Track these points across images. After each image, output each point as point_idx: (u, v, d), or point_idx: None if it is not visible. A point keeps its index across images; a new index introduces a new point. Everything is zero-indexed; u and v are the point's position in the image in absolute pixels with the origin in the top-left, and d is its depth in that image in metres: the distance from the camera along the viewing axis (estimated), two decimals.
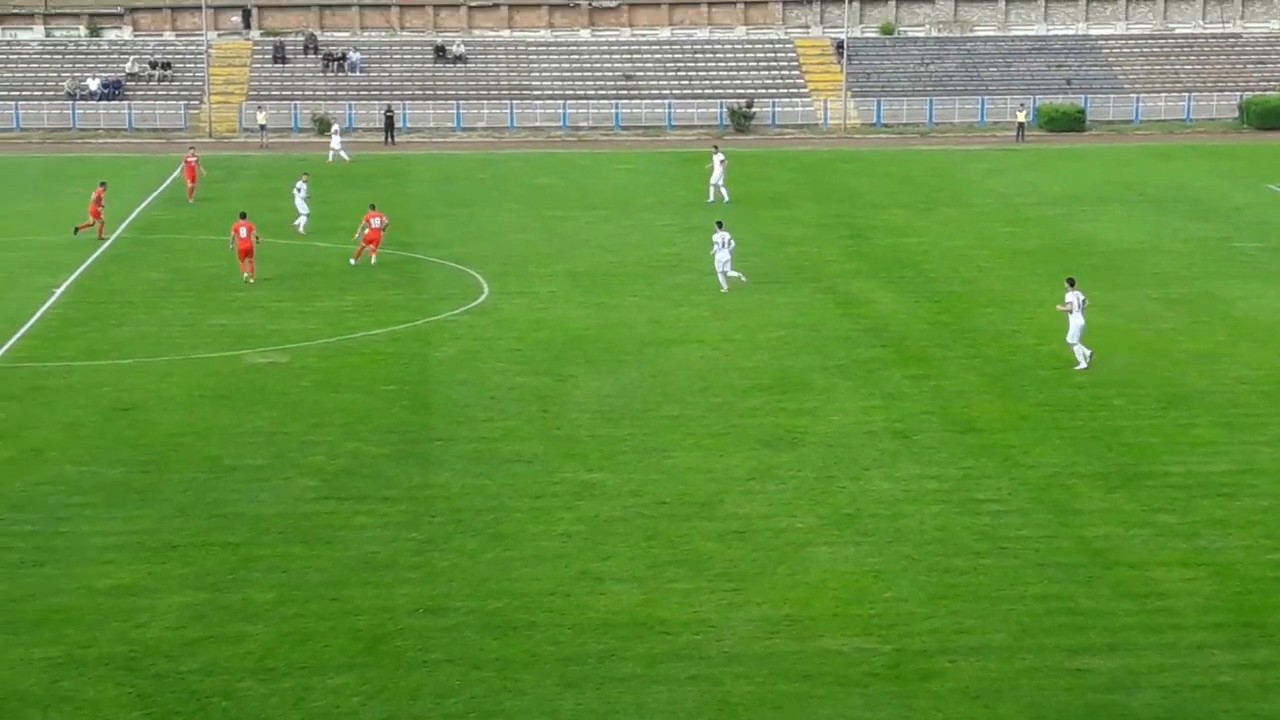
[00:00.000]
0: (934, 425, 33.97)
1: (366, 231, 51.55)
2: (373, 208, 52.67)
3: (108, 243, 56.08)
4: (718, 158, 67.52)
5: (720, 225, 48.91)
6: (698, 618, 24.06)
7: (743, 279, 48.05)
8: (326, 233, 58.19)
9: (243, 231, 49.08)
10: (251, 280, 48.72)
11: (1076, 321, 38.57)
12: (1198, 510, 28.68)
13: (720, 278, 47.73)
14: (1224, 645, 23.15)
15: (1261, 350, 40.31)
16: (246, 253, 49.00)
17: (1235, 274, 50.73)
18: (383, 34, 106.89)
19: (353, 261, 51.63)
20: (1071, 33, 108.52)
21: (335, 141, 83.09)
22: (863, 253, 54.85)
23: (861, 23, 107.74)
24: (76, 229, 56.77)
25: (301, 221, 58.14)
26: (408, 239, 56.04)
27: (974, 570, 25.94)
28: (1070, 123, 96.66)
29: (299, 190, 59.02)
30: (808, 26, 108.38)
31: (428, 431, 33.42)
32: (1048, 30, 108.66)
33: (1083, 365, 38.38)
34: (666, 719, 21.00)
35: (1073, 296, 38.74)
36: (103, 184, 59.57)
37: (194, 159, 68.49)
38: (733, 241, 48.22)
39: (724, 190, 66.29)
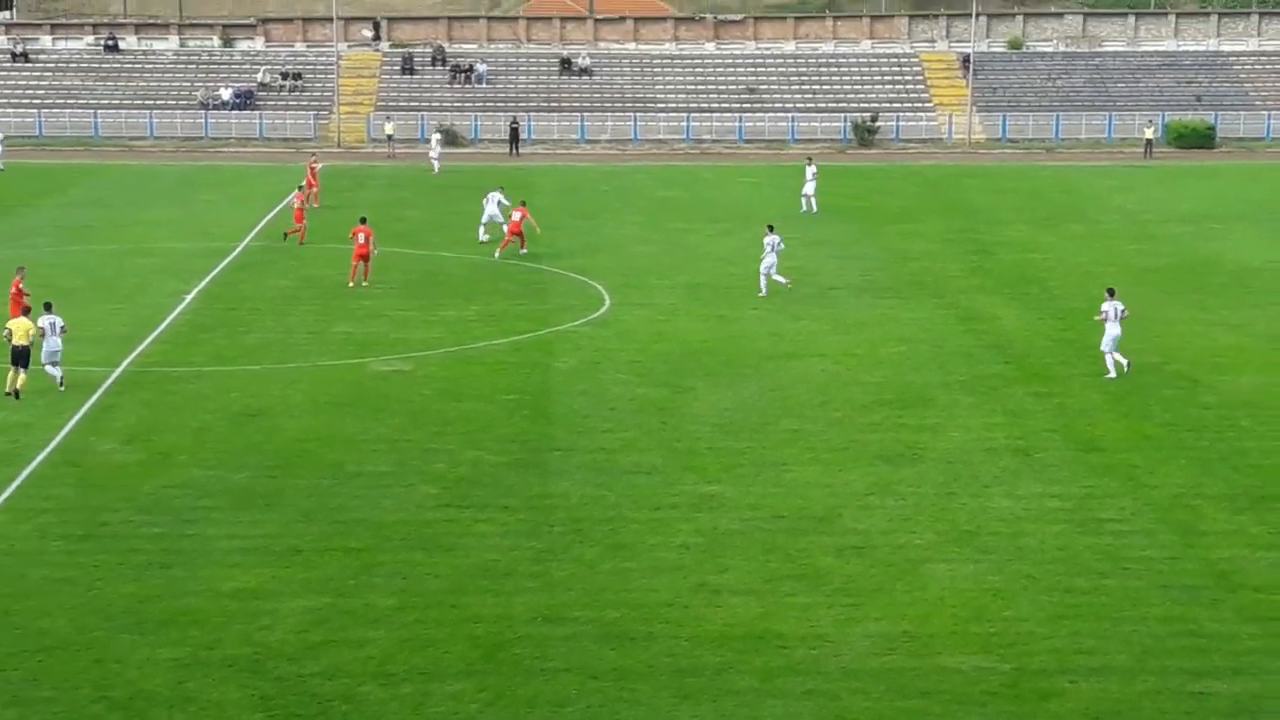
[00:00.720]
0: (1056, 443, 33.66)
1: (514, 221, 54.90)
2: (523, 203, 55.75)
3: (236, 250, 56.93)
4: (810, 169, 68.74)
5: (771, 229, 49.68)
6: (815, 632, 24.01)
7: (787, 283, 48.67)
8: (451, 243, 58.71)
9: (360, 237, 49.94)
10: (365, 284, 49.48)
11: (1111, 331, 38.69)
12: None
13: (762, 280, 48.76)
14: None
15: None
16: (362, 257, 49.79)
17: None
18: (509, 46, 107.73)
19: (497, 254, 54.57)
20: (1202, 48, 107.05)
21: (434, 151, 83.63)
22: (986, 268, 54.45)
23: (988, 37, 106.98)
24: (285, 234, 59.00)
25: (482, 230, 58.74)
26: (531, 249, 56.37)
27: (1095, 590, 25.67)
28: (1199, 139, 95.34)
29: (497, 200, 58.95)
30: (933, 40, 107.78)
31: (548, 441, 33.63)
32: (1178, 46, 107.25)
33: (1112, 375, 38.50)
34: None
35: (1109, 306, 38.93)
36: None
37: (317, 165, 69.39)
38: (782, 244, 49.34)
39: (814, 201, 67.56)
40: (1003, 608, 24.96)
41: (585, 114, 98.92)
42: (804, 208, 67.74)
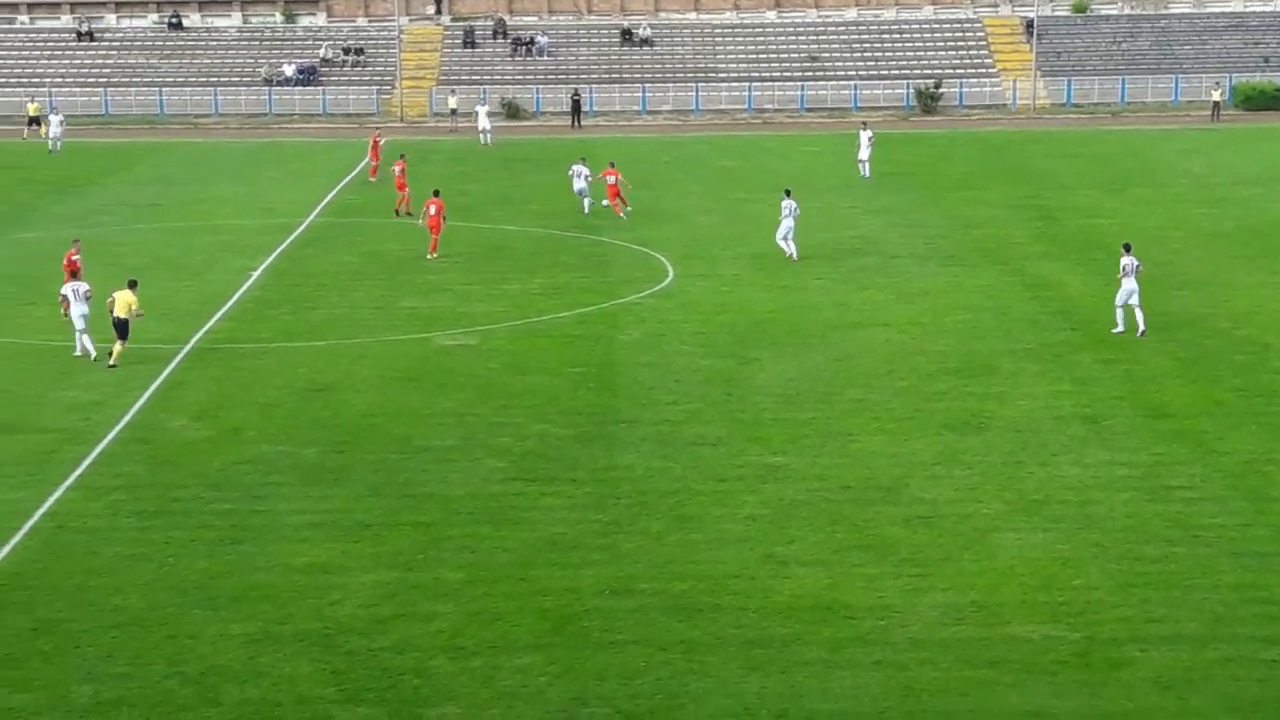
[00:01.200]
0: (1125, 410, 33.44)
1: (610, 185, 57.40)
2: (611, 164, 57.97)
3: (301, 226, 57.24)
4: (866, 134, 69.05)
5: (788, 193, 50.07)
6: (883, 603, 23.97)
7: (793, 255, 49.23)
8: (515, 216, 58.82)
9: (431, 210, 50.29)
10: (430, 257, 49.73)
11: (1127, 286, 39.17)
12: None
13: (783, 244, 49.36)
14: None
15: None
16: (433, 229, 50.11)
17: None
18: (570, 18, 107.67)
19: (623, 214, 55.95)
20: (1270, 9, 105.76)
21: (483, 121, 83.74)
22: (1051, 234, 54.09)
23: (1052, 1, 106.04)
24: (397, 212, 59.51)
25: (586, 203, 59.03)
26: (594, 222, 56.40)
27: (1165, 558, 25.50)
28: (1268, 101, 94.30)
29: (578, 174, 59.34)
30: (996, 5, 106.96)
31: (613, 414, 33.68)
32: (1245, 6, 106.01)
33: (1120, 329, 39.29)
34: (851, 704, 20.98)
35: (1127, 261, 39.42)
36: (402, 156, 62.97)
37: (381, 139, 69.67)
38: (798, 210, 49.92)
39: (867, 166, 68.09)
40: (1072, 576, 24.84)
41: (646, 85, 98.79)
42: (861, 173, 68.11)
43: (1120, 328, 39.21)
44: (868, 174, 68.10)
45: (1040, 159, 74.06)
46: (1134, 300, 39.32)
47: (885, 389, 35.23)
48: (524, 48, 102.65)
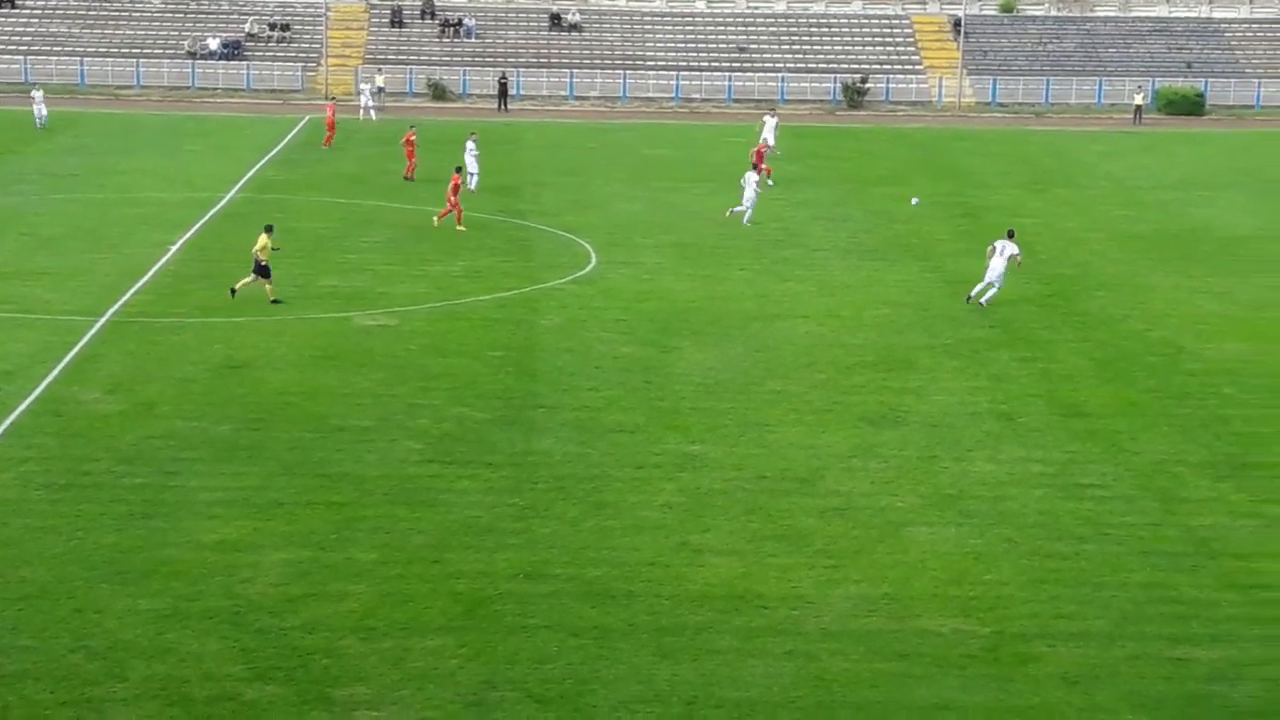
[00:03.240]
0: (1040, 408, 33.71)
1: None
2: (456, 170, 54.72)
3: (222, 202, 56.73)
4: (771, 119, 72.88)
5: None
6: (796, 593, 24.06)
7: (732, 212, 52.49)
8: (439, 198, 58.51)
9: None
10: (436, 223, 51.98)
11: (995, 267, 41.76)
12: None
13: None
14: None
15: None
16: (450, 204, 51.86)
17: None
18: (499, 1, 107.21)
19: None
20: (1193, 15, 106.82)
21: (364, 99, 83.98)
22: (973, 232, 54.39)
23: (979, 0, 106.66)
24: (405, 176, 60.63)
25: (474, 180, 59.12)
26: (518, 206, 56.25)
27: (1076, 555, 25.74)
28: (1189, 106, 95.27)
29: (469, 150, 60.18)
30: (924, 3, 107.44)
31: (532, 398, 33.61)
32: (1169, 12, 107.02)
33: (971, 296, 42.14)
34: (762, 693, 21.04)
35: (1001, 243, 42.10)
36: (412, 126, 64.72)
37: (414, 136, 68.77)
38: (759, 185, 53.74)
39: (773, 144, 70.35)
40: (983, 571, 25.03)
41: (574, 70, 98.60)
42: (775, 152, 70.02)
43: (971, 295, 42.27)
44: (775, 151, 69.62)
45: (964, 157, 74.52)
46: (992, 277, 41.90)
47: (804, 381, 35.34)
48: (452, 29, 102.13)
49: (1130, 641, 22.69)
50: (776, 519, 27.03)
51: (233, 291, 41.22)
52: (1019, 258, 42.03)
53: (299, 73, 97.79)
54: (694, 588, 24.18)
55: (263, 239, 41.33)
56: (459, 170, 52.97)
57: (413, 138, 63.25)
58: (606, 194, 60.98)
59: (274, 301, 40.96)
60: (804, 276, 46.31)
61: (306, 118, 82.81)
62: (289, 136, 75.28)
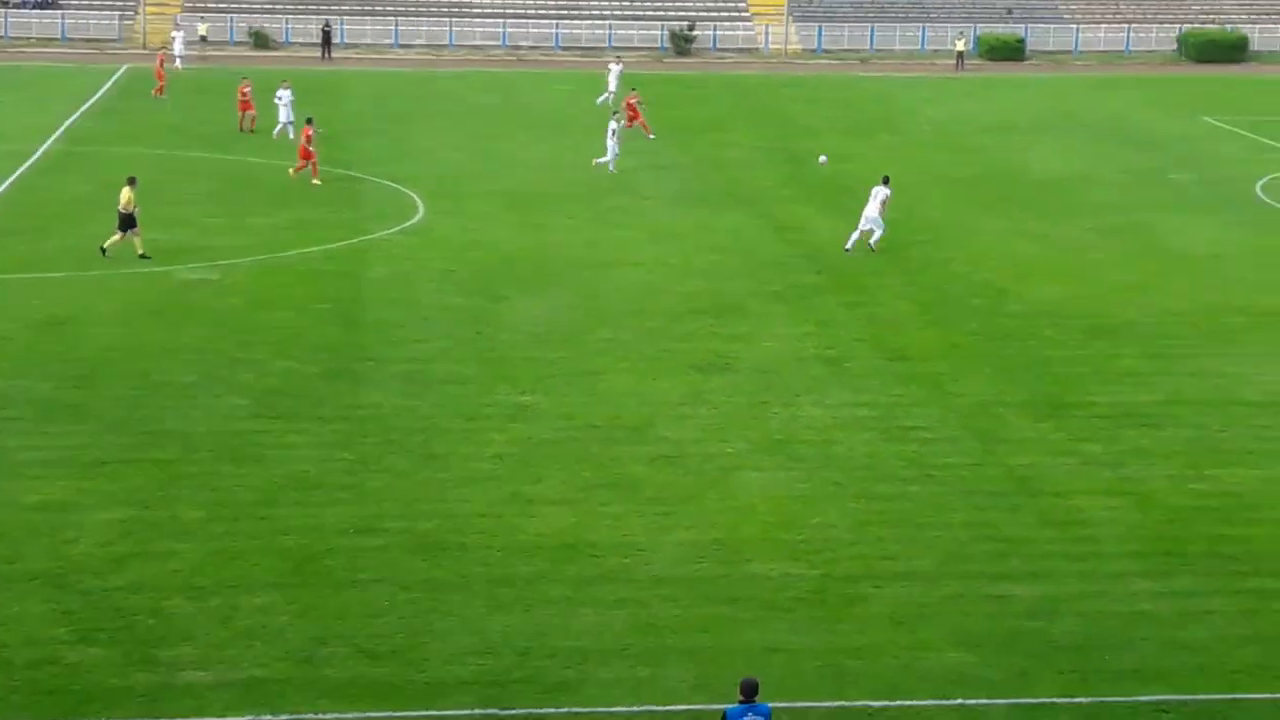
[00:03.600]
0: (866, 352, 34.16)
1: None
2: (308, 120, 52.51)
3: (37, 154, 55.38)
4: (616, 67, 73.53)
5: (615, 116, 54.20)
6: (627, 541, 24.20)
7: (598, 162, 53.33)
8: (260, 148, 57.69)
9: (303, 138, 50.99)
10: (293, 176, 51.00)
11: (868, 212, 42.73)
12: (1122, 440, 29.03)
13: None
14: (1144, 574, 23.51)
15: (1191, 282, 40.70)
16: (304, 156, 50.67)
17: (1168, 206, 51.12)
18: None
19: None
20: None
21: (177, 46, 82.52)
22: (800, 178, 54.88)
23: None
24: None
25: (280, 129, 58.62)
26: (344, 156, 55.56)
27: (901, 497, 26.19)
28: (1010, 52, 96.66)
29: (280, 98, 59.32)
30: None
31: (360, 351, 33.33)
32: None
33: (849, 247, 42.88)
34: (594, 641, 21.15)
35: (875, 189, 43.13)
36: (245, 78, 63.07)
37: (247, 87, 67.19)
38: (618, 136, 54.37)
39: (613, 99, 70.44)
40: (811, 515, 25.36)
41: (399, 18, 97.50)
42: (605, 99, 70.82)
43: (849, 246, 42.88)
44: (609, 100, 70.01)
45: (790, 104, 74.98)
46: (869, 226, 42.69)
47: (634, 329, 35.45)
48: None
49: (953, 580, 23.15)
50: (607, 467, 27.14)
51: (103, 250, 40.19)
52: (889, 199, 43.11)
53: (116, 21, 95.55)
54: (526, 538, 24.22)
55: (126, 192, 40.29)
56: (310, 121, 51.91)
57: (246, 90, 61.60)
58: (433, 143, 60.48)
59: (142, 256, 40.09)
60: (633, 224, 46.39)
61: (125, 67, 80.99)
62: (106, 86, 73.57)
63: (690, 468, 27.25)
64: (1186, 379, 32.76)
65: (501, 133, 63.45)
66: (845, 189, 52.52)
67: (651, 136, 60.04)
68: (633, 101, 61.63)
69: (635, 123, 60.77)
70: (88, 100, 69.43)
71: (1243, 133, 67.09)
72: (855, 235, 42.86)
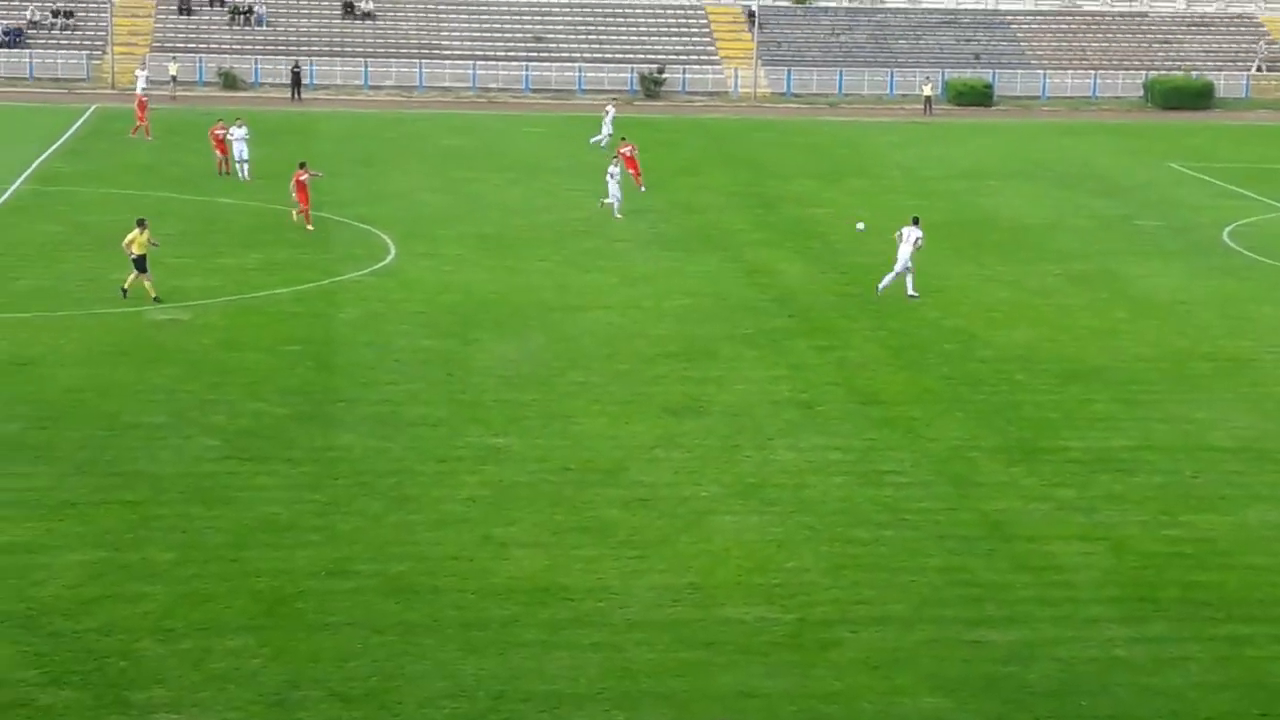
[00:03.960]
0: (838, 396, 34.16)
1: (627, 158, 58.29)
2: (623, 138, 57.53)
3: (5, 194, 55.16)
4: (612, 109, 75.16)
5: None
6: (601, 584, 24.09)
7: (604, 203, 53.37)
8: (232, 189, 57.57)
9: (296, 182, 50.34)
10: (303, 225, 50.15)
11: (902, 254, 42.75)
12: (1095, 485, 29.06)
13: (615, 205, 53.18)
14: (1119, 619, 23.49)
15: (1159, 328, 40.86)
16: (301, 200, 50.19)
17: (1136, 252, 51.36)
18: None
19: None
20: (980, 7, 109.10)
21: (140, 84, 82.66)
22: (770, 222, 55.00)
23: None
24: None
25: (244, 169, 59.12)
26: (314, 197, 55.35)
27: (875, 541, 26.14)
28: (978, 97, 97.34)
29: (233, 134, 59.90)
30: None
31: (331, 393, 33.20)
32: (957, 4, 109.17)
33: (882, 288, 43.08)
34: (568, 685, 21.02)
35: (905, 230, 43.24)
36: (220, 120, 62.57)
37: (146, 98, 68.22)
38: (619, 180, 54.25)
39: (605, 140, 71.65)
40: (785, 559, 25.29)
41: (369, 59, 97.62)
42: (599, 140, 71.73)
43: (882, 288, 43.06)
44: (604, 145, 70.46)
45: (760, 148, 75.25)
46: (902, 267, 42.92)
47: (606, 372, 35.40)
48: (242, 16, 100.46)
49: (928, 625, 23.10)
50: (581, 510, 27.04)
51: (124, 291, 40.09)
52: (921, 242, 43.12)
53: (84, 61, 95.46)
54: (499, 581, 24.09)
55: (134, 234, 39.98)
56: (303, 165, 51.43)
57: (219, 131, 61.19)
58: (405, 185, 60.47)
59: (155, 300, 39.74)
60: (605, 267, 46.39)
61: (93, 107, 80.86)
62: (75, 126, 73.44)
63: (663, 511, 27.18)
64: (1157, 424, 32.84)
65: (473, 175, 63.49)
66: (815, 233, 52.74)
67: (643, 189, 58.57)
68: (625, 152, 59.15)
69: (632, 173, 58.72)
70: (57, 140, 69.28)
71: (1209, 179, 67.57)
72: (890, 278, 43.01)
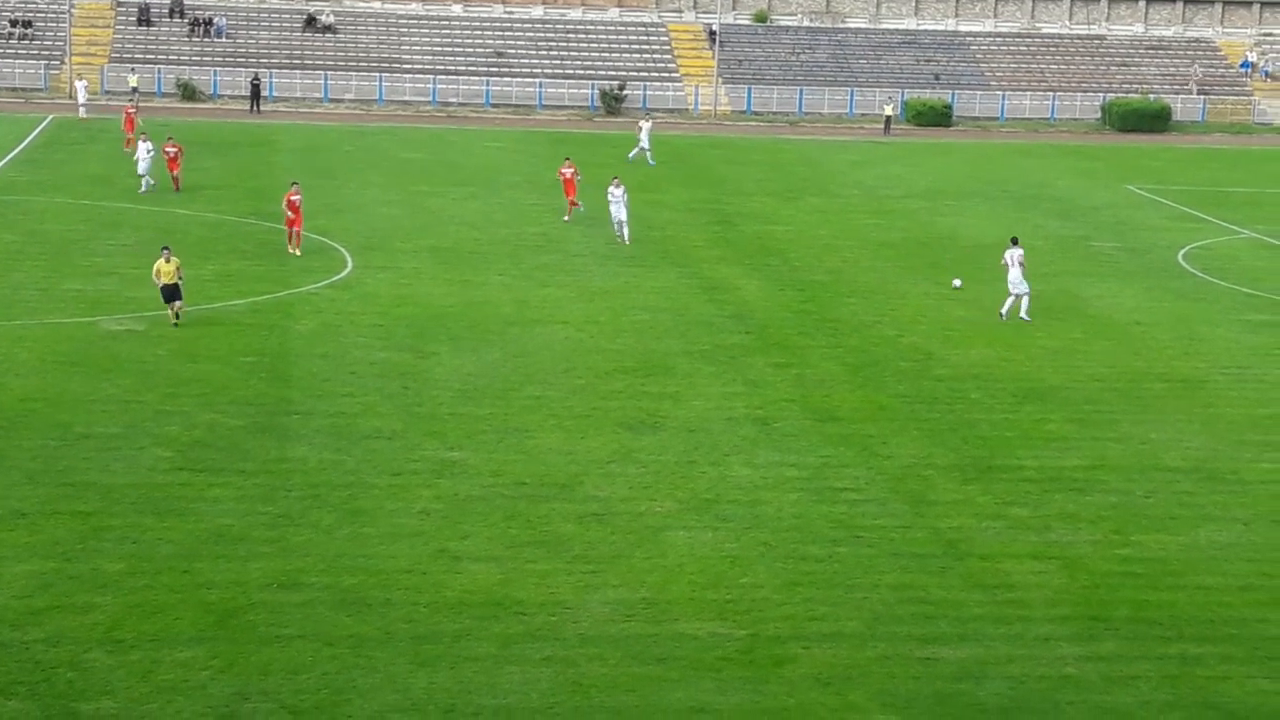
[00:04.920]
0: (794, 413, 34.20)
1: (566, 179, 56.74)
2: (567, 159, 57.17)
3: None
4: (646, 125, 75.17)
5: (616, 180, 52.87)
6: (554, 599, 24.03)
7: (624, 239, 52.15)
8: (188, 200, 57.33)
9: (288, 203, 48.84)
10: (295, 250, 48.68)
11: (1014, 278, 43.48)
12: (1049, 504, 29.15)
13: (618, 228, 52.46)
14: (1070, 638, 23.56)
15: (1115, 348, 41.04)
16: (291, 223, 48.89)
17: (1092, 273, 51.61)
18: (251, 0, 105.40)
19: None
20: (941, 28, 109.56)
21: (81, 95, 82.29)
22: (729, 239, 55.06)
23: (734, 10, 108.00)
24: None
25: (145, 182, 58.50)
26: (272, 209, 55.28)
27: (829, 558, 26.16)
28: (937, 118, 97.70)
29: (149, 151, 59.01)
30: (681, 11, 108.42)
31: (286, 405, 33.05)
32: (918, 25, 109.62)
33: (1005, 314, 43.45)
34: (520, 700, 20.96)
35: (1009, 253, 44.00)
36: (170, 138, 61.51)
37: (134, 110, 67.82)
38: (625, 196, 52.46)
39: (649, 155, 73.19)
40: (739, 575, 25.28)
41: (329, 73, 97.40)
42: (648, 162, 72.65)
43: (1016, 314, 43.38)
44: (652, 162, 72.12)
45: (720, 165, 75.36)
46: (1018, 289, 43.39)
47: (563, 386, 35.36)
48: (202, 28, 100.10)
49: (881, 642, 23.12)
50: (535, 525, 26.99)
51: (175, 321, 38.91)
52: (1024, 259, 44.01)
53: (42, 71, 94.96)
54: (452, 595, 24.01)
55: (160, 264, 38.70)
56: (295, 185, 50.62)
57: (169, 149, 60.04)
58: (363, 198, 60.32)
59: (174, 325, 38.58)
60: (563, 282, 46.35)
61: (50, 117, 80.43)
62: (31, 136, 73.03)
63: (618, 526, 27.14)
64: (1111, 444, 32.98)
65: (431, 189, 63.38)
66: (773, 250, 52.82)
67: (581, 209, 56.56)
68: (566, 174, 57.01)
69: (568, 199, 56.82)
70: (12, 150, 68.87)
71: (1165, 201, 67.97)
72: (1009, 302, 43.54)
